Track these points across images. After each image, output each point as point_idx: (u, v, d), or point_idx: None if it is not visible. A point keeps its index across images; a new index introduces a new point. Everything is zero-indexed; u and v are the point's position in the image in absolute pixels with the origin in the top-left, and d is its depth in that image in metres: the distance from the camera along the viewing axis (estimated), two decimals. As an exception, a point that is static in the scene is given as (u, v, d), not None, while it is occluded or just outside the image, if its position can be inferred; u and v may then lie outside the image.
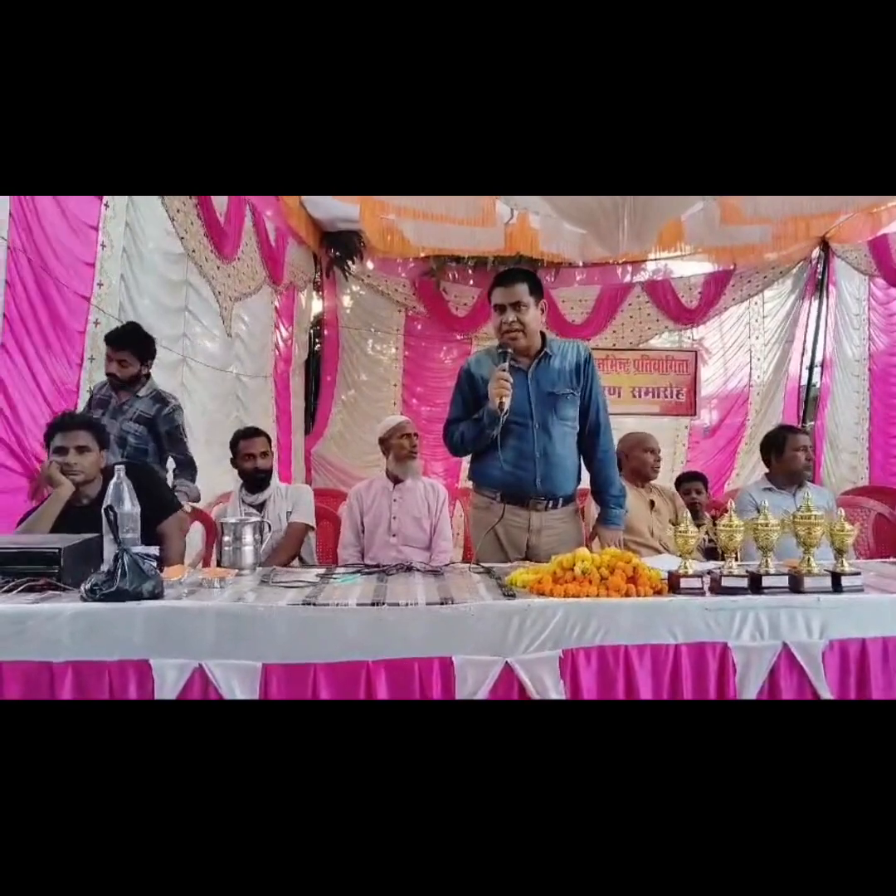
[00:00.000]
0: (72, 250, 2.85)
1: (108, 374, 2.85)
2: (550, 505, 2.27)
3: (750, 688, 1.59)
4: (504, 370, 2.14)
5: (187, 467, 2.99)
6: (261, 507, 2.92)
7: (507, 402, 2.12)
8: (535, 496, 2.25)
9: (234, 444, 2.99)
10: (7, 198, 2.45)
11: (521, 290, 2.21)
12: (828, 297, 6.32)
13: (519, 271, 2.32)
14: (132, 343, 2.86)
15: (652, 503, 3.02)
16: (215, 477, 3.99)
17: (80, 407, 2.87)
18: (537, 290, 2.25)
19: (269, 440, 3.04)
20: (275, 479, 3.02)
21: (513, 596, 1.66)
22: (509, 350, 2.20)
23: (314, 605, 1.57)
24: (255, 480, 2.94)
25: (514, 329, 2.20)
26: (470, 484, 2.49)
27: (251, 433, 3.00)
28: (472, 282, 6.49)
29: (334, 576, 1.90)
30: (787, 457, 2.95)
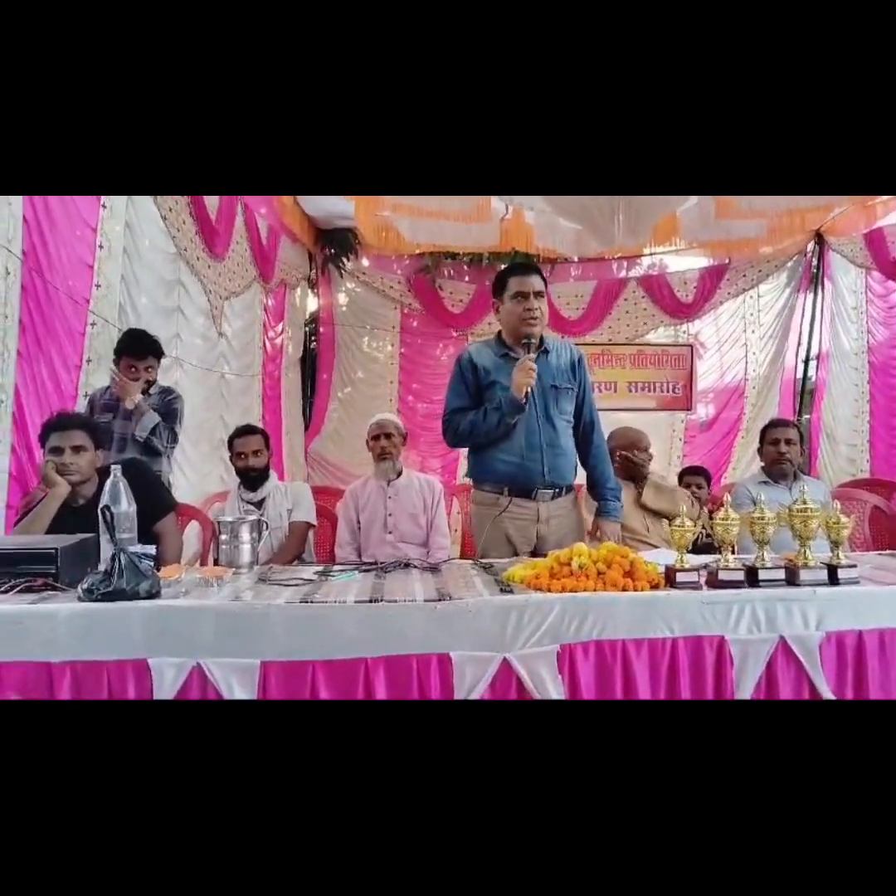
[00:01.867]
0: (75, 252, 2.86)
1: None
2: (555, 495, 2.31)
3: (747, 681, 1.60)
4: (532, 359, 2.18)
5: (173, 438, 3.07)
6: (259, 504, 2.92)
7: (530, 392, 2.18)
8: (543, 487, 2.28)
9: (230, 443, 3.00)
10: (19, 201, 2.46)
11: (539, 281, 2.30)
12: (823, 291, 6.32)
13: (530, 264, 2.42)
14: (153, 350, 3.01)
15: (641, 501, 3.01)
16: (204, 476, 4.01)
17: (80, 410, 2.88)
18: (545, 283, 2.35)
19: (267, 438, 3.03)
20: (273, 477, 3.02)
21: (510, 591, 1.66)
22: (534, 341, 2.24)
23: (312, 602, 1.57)
24: (248, 479, 2.95)
25: (535, 316, 2.26)
26: (468, 481, 2.50)
27: (244, 431, 3.00)
28: (467, 278, 6.48)
29: (332, 573, 1.90)
30: (763, 449, 3.04)
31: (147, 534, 2.02)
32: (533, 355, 2.20)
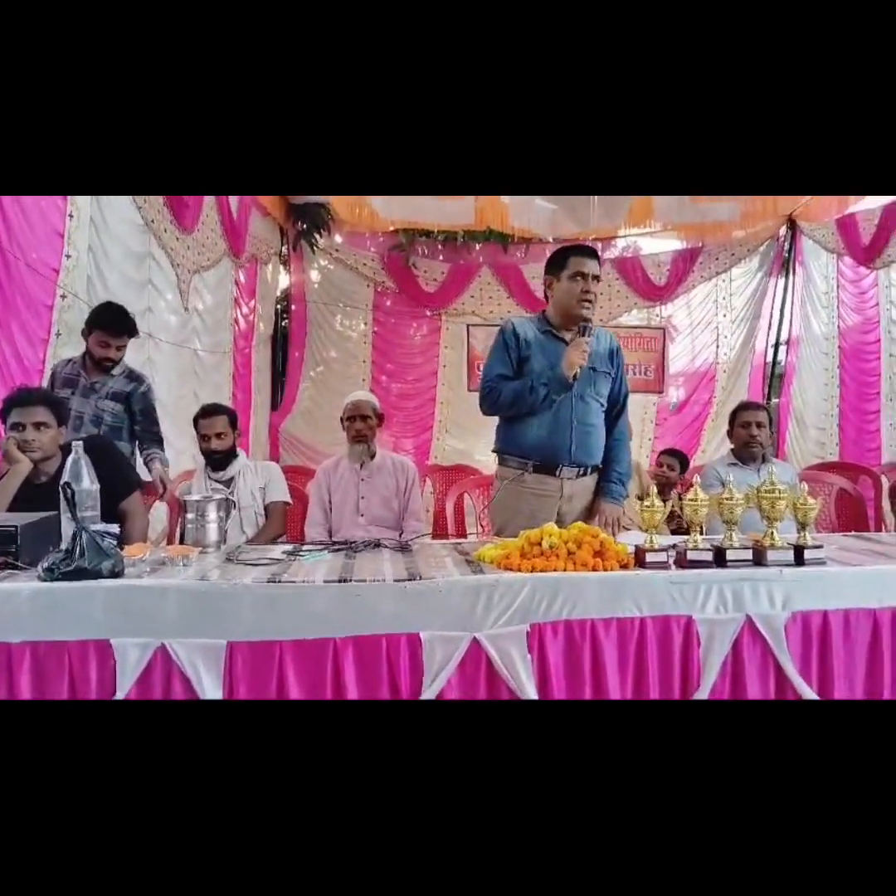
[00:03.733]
0: (44, 221, 2.77)
1: (100, 359, 2.82)
2: (580, 473, 2.31)
3: (714, 660, 1.62)
4: (587, 342, 2.22)
5: (158, 444, 3.01)
6: (228, 483, 2.87)
7: (580, 372, 2.20)
8: (568, 464, 2.28)
9: (195, 422, 2.91)
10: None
11: (597, 266, 2.32)
12: (794, 276, 6.38)
13: (591, 248, 2.42)
14: (127, 328, 2.85)
15: None
16: (178, 453, 3.95)
17: (44, 383, 2.80)
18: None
19: (233, 419, 2.93)
20: (242, 456, 2.96)
21: (481, 571, 1.65)
22: (590, 324, 2.27)
23: (280, 582, 1.55)
24: (212, 460, 2.88)
25: (590, 299, 2.29)
26: (444, 463, 2.50)
27: (209, 412, 2.89)
28: (441, 257, 6.44)
29: (301, 553, 1.88)
30: (734, 432, 3.07)
31: (112, 513, 1.98)
32: (590, 338, 2.23)
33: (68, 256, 2.92)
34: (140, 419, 2.95)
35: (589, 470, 2.34)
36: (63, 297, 2.91)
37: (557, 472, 2.28)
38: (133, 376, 2.95)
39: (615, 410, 2.43)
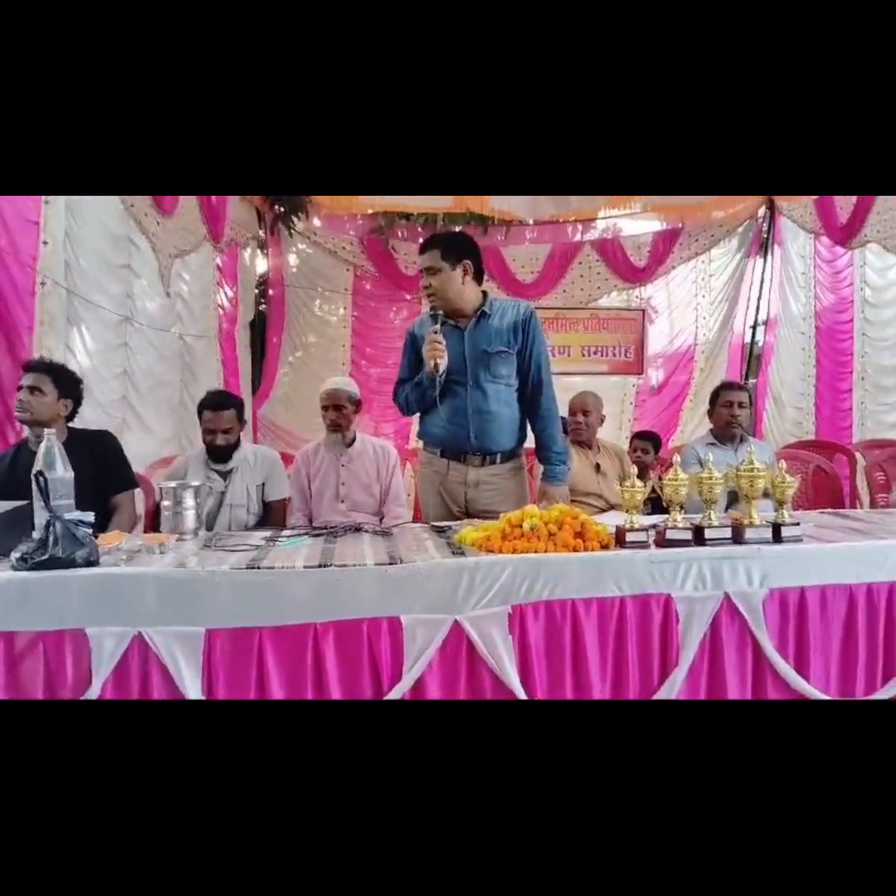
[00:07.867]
0: (18, 208, 2.71)
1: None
2: (487, 460, 2.29)
3: (692, 638, 1.63)
4: (436, 331, 2.18)
5: None
6: (226, 475, 2.70)
7: (441, 363, 2.17)
8: (471, 452, 2.29)
9: (199, 411, 2.69)
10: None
11: (433, 256, 2.24)
12: (773, 256, 6.40)
13: (435, 237, 2.35)
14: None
15: (598, 466, 3.05)
16: (164, 442, 3.91)
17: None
18: (452, 254, 2.24)
19: (240, 410, 2.72)
20: (244, 447, 2.76)
21: (462, 554, 1.65)
22: (440, 312, 2.23)
23: (259, 568, 1.54)
24: (215, 454, 2.70)
25: (428, 293, 2.27)
26: (420, 443, 2.50)
27: (216, 405, 2.66)
28: (421, 240, 6.34)
29: (280, 538, 1.86)
30: (715, 411, 3.08)
31: (102, 504, 1.98)
32: (437, 327, 2.19)
33: (45, 243, 2.86)
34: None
35: (499, 457, 2.30)
36: (43, 284, 2.84)
37: (464, 460, 2.30)
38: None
39: (530, 388, 2.32)
